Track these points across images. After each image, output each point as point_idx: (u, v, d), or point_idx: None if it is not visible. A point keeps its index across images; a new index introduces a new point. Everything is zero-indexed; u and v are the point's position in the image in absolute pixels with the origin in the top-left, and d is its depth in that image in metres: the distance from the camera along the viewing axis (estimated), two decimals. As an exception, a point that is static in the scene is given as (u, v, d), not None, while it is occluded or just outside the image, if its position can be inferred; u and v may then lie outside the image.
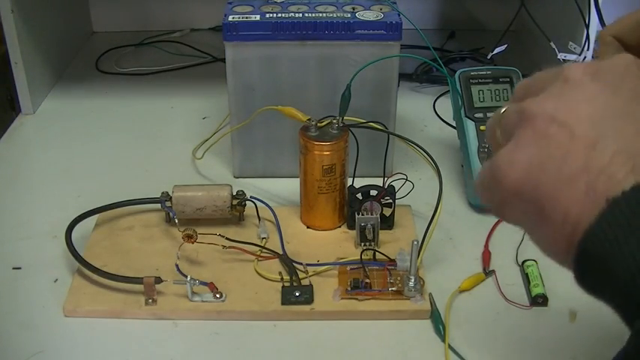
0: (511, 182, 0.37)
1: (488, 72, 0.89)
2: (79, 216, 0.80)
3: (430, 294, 0.72)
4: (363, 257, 0.75)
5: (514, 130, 0.39)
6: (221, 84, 0.91)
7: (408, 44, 1.02)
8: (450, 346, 0.67)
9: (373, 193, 0.79)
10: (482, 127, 0.86)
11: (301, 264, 0.74)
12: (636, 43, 0.45)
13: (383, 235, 0.78)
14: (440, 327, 0.69)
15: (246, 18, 0.83)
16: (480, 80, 0.88)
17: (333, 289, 0.72)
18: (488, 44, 1.14)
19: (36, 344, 0.68)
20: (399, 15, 0.84)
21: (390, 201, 0.79)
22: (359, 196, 0.79)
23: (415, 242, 0.69)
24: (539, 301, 0.72)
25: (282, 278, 0.73)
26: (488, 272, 0.75)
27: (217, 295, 0.71)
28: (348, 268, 0.74)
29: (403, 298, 0.71)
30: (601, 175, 0.34)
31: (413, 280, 0.71)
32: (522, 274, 0.75)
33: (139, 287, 0.71)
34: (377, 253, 0.76)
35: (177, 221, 0.78)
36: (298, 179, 0.81)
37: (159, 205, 0.80)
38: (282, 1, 0.88)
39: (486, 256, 0.77)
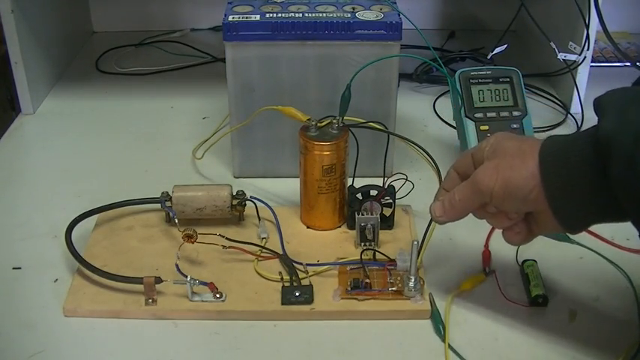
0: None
1: (488, 72, 0.89)
2: (79, 216, 0.80)
3: (430, 294, 0.72)
4: (363, 257, 0.75)
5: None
6: (221, 84, 0.91)
7: (408, 44, 1.02)
8: (450, 346, 0.67)
9: (373, 193, 0.79)
10: (482, 127, 0.86)
11: (301, 264, 0.74)
12: (468, 168, 0.66)
13: (383, 235, 0.78)
14: (440, 327, 0.69)
15: (246, 18, 0.83)
16: (480, 80, 0.88)
17: (333, 289, 0.72)
18: (489, 44, 1.14)
19: (36, 344, 0.68)
20: (399, 15, 0.84)
21: (390, 201, 0.79)
22: (359, 196, 0.79)
23: (415, 242, 0.69)
24: (539, 301, 0.72)
25: (282, 278, 0.73)
26: (488, 272, 0.75)
27: (217, 295, 0.71)
28: (348, 268, 0.74)
29: (403, 298, 0.71)
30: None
31: (413, 280, 0.71)
32: (522, 274, 0.75)
33: (139, 287, 0.71)
34: (377, 253, 0.76)
35: (177, 221, 0.78)
36: (298, 179, 0.81)
37: (159, 205, 0.80)
38: (282, 1, 0.88)
39: (486, 256, 0.77)
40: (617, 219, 0.58)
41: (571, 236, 0.80)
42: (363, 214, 0.78)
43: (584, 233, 0.79)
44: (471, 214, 0.67)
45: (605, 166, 0.55)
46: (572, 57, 1.04)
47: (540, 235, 0.65)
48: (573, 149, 0.58)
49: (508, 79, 0.89)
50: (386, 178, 0.80)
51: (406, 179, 0.80)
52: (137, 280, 0.71)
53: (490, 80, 0.89)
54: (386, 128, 0.82)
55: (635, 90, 0.58)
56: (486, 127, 0.86)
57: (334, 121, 0.78)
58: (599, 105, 0.58)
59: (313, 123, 0.78)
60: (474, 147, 0.66)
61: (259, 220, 0.80)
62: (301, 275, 0.73)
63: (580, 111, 1.06)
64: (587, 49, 1.03)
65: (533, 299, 0.72)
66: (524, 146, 0.61)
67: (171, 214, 0.79)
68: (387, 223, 0.80)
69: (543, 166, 0.59)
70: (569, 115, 1.07)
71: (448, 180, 0.68)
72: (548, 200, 0.59)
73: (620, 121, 0.55)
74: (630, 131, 0.54)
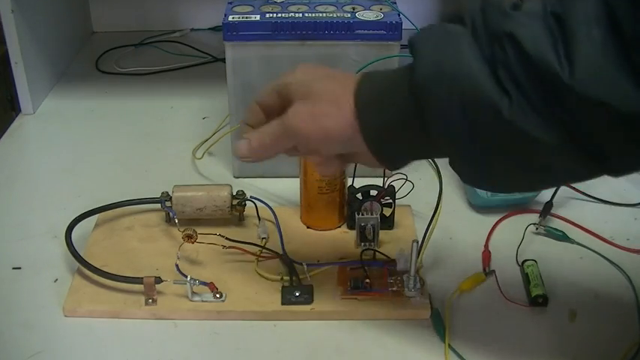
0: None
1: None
2: (79, 216, 0.80)
3: (430, 294, 0.72)
4: (363, 257, 0.75)
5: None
6: (221, 84, 0.91)
7: (408, 44, 1.02)
8: (450, 346, 0.67)
9: (373, 193, 0.79)
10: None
11: (301, 264, 0.74)
12: (273, 103, 0.62)
13: (383, 235, 0.78)
14: (440, 327, 0.69)
15: (246, 18, 0.83)
16: (479, 80, 0.88)
17: (333, 289, 0.72)
18: (488, 44, 1.14)
19: (36, 344, 0.68)
20: (399, 15, 0.84)
21: (390, 201, 0.79)
22: (359, 196, 0.79)
23: (415, 242, 0.69)
24: (539, 301, 0.72)
25: (282, 278, 0.73)
26: (488, 272, 0.75)
27: (217, 295, 0.71)
28: (348, 268, 0.74)
29: (403, 298, 0.71)
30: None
31: (413, 280, 0.71)
32: (522, 274, 0.75)
33: (139, 287, 0.71)
34: (377, 253, 0.76)
35: (177, 221, 0.77)
36: (298, 179, 0.81)
37: (159, 205, 0.80)
38: (282, 1, 0.88)
39: (486, 256, 0.77)
40: (439, 157, 0.58)
41: (571, 236, 0.80)
42: (363, 214, 0.78)
43: (583, 233, 0.79)
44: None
45: (422, 112, 0.53)
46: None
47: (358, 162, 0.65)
48: (389, 97, 0.56)
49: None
50: (386, 178, 0.80)
51: (406, 179, 0.80)
52: (137, 280, 0.71)
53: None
54: (386, 128, 0.81)
55: (449, 29, 0.53)
56: (486, 127, 0.86)
57: (334, 121, 0.78)
58: (412, 46, 0.54)
59: (313, 123, 0.78)
60: (276, 81, 0.63)
61: (259, 220, 0.80)
62: (301, 275, 0.73)
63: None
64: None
65: (533, 299, 0.72)
66: (337, 89, 0.58)
67: (171, 214, 0.79)
68: (387, 223, 0.80)
69: (360, 115, 0.57)
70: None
71: (251, 115, 0.64)
72: (367, 145, 0.57)
73: (434, 68, 0.52)
74: (444, 81, 0.51)
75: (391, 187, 0.79)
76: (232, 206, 0.80)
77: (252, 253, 0.76)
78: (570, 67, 0.47)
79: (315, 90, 0.59)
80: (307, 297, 0.71)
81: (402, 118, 0.55)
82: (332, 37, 0.83)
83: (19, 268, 0.77)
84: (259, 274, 0.74)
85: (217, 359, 0.67)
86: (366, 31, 0.83)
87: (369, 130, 0.57)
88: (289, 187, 0.86)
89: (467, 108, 0.51)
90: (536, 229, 0.82)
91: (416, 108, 0.53)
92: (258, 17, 0.84)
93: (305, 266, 0.74)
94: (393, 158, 0.59)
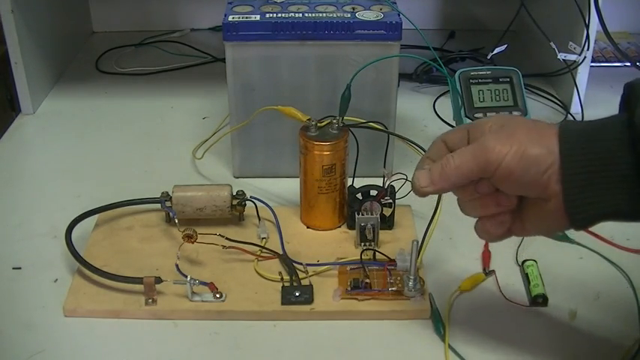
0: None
1: (488, 72, 0.89)
2: (79, 216, 0.80)
3: (430, 294, 0.72)
4: (363, 257, 0.75)
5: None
6: (221, 84, 0.91)
7: (408, 44, 1.02)
8: (450, 346, 0.67)
9: (373, 193, 0.79)
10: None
11: (301, 264, 0.74)
12: (459, 141, 0.59)
13: (383, 235, 0.78)
14: (440, 327, 0.69)
15: (246, 18, 0.83)
16: (480, 80, 0.88)
17: (333, 289, 0.72)
18: (489, 44, 1.14)
19: (36, 344, 0.68)
20: (399, 15, 0.84)
21: (390, 201, 0.79)
22: (359, 196, 0.79)
23: (415, 242, 0.69)
24: (539, 301, 0.72)
25: (282, 278, 0.73)
26: (488, 272, 0.75)
27: (217, 295, 0.71)
28: (348, 268, 0.74)
29: (403, 298, 0.71)
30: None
31: (413, 280, 0.71)
32: (522, 274, 0.75)
33: (139, 287, 0.71)
34: (377, 253, 0.76)
35: (177, 221, 0.78)
36: (298, 179, 0.81)
37: (159, 205, 0.80)
38: (282, 1, 0.88)
39: (486, 256, 0.77)
40: (634, 218, 0.53)
41: (571, 236, 0.80)
42: (363, 214, 0.78)
43: (583, 233, 0.79)
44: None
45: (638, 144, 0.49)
46: (572, 57, 1.04)
47: (520, 236, 0.61)
48: (602, 133, 0.52)
49: (508, 79, 0.89)
50: (386, 178, 0.80)
51: (406, 179, 0.80)
52: (137, 280, 0.71)
53: (490, 80, 0.89)
54: (386, 128, 0.82)
55: None
56: (486, 127, 0.86)
57: (334, 121, 0.78)
58: (633, 91, 0.52)
59: (313, 123, 0.78)
60: (469, 123, 0.60)
61: (259, 220, 0.80)
62: (301, 275, 0.73)
63: (580, 111, 1.06)
64: (587, 49, 1.03)
65: (533, 299, 0.72)
66: (539, 124, 0.55)
67: (171, 214, 0.79)
68: (387, 223, 0.80)
69: (565, 145, 0.52)
70: (569, 115, 1.07)
71: (434, 150, 0.60)
72: (564, 183, 0.52)
73: None
74: None
75: (391, 187, 0.79)
76: (232, 206, 0.80)
77: (252, 253, 0.76)
78: None
79: (514, 122, 0.55)
80: (307, 297, 0.71)
81: (614, 153, 0.51)
82: (332, 37, 0.83)
83: (19, 268, 0.77)
84: (259, 274, 0.74)
85: (217, 359, 0.67)
86: (366, 31, 0.83)
87: (572, 162, 0.52)
88: (289, 187, 0.86)
89: None
90: (536, 229, 0.82)
91: (633, 146, 0.50)
92: (258, 17, 0.84)
93: (305, 266, 0.74)
94: (584, 205, 0.53)
